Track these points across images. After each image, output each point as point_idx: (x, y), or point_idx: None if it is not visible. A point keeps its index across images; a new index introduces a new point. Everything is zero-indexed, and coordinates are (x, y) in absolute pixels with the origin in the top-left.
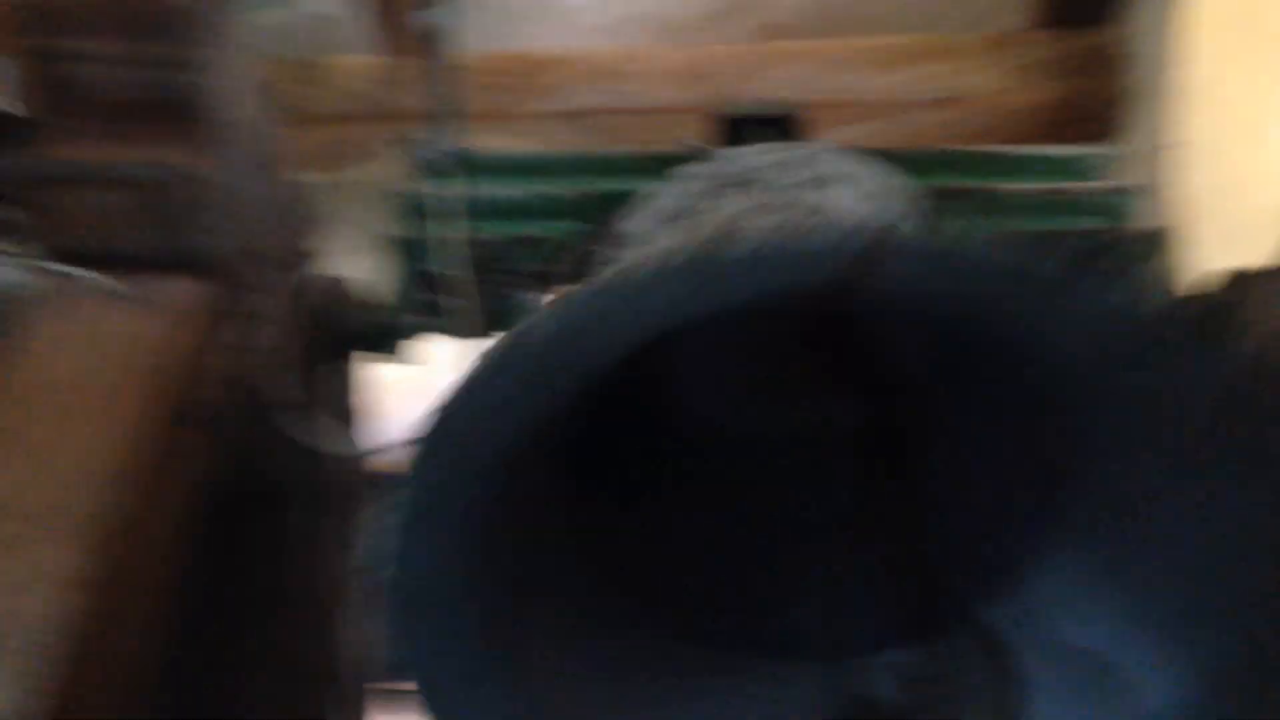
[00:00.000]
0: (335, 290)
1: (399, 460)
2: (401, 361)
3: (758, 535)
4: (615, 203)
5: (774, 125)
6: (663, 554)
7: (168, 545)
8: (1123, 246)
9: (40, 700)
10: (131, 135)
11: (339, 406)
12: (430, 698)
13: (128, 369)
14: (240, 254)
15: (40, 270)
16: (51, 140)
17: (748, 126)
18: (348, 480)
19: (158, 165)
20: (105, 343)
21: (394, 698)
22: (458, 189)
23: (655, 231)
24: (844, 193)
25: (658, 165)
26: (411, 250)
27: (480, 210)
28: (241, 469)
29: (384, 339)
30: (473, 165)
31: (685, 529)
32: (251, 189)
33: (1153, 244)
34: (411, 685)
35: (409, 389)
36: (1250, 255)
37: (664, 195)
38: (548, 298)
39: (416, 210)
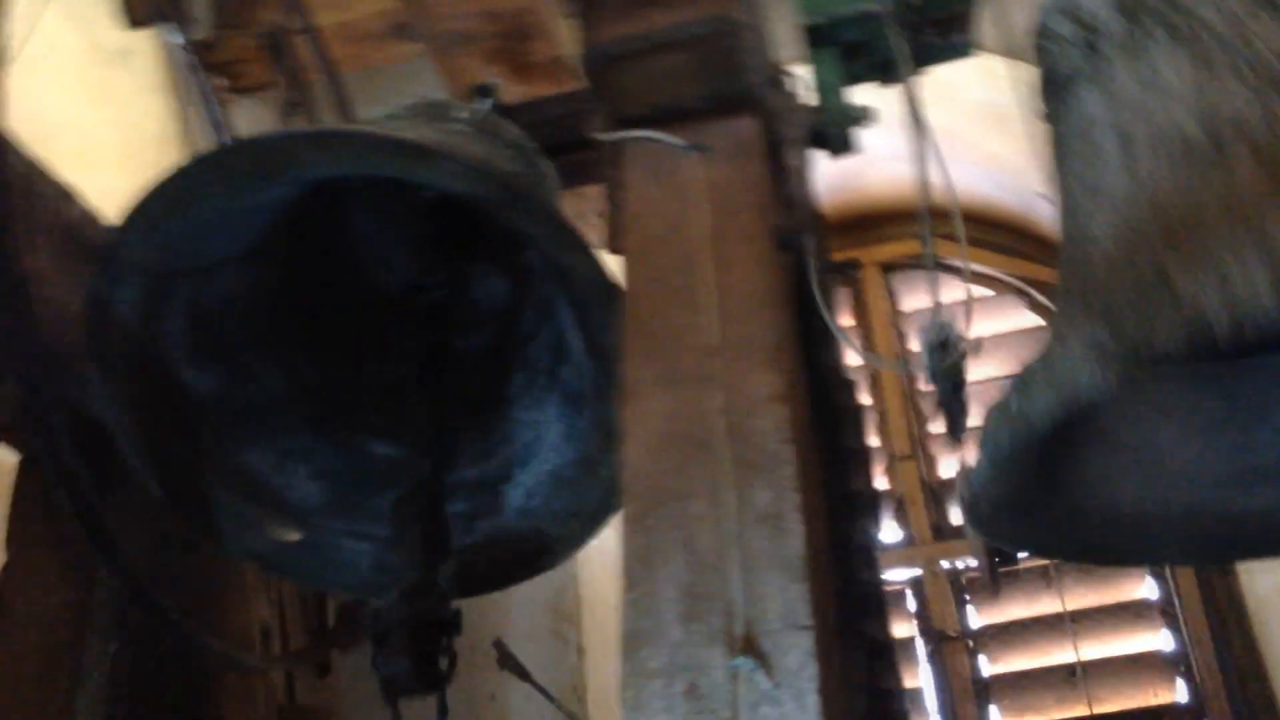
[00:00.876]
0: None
1: None
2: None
3: None
4: None
5: None
6: None
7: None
8: None
9: (792, 499)
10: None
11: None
12: None
13: (728, 210)
14: (769, 85)
15: (621, 139)
16: (597, 23)
17: None
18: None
19: (711, 20)
20: (688, 192)
21: None
22: None
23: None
24: None
25: None
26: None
27: None
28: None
29: (837, 133)
30: None
31: None
32: (755, 20)
33: None
34: None
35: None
36: None
37: None
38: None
39: None
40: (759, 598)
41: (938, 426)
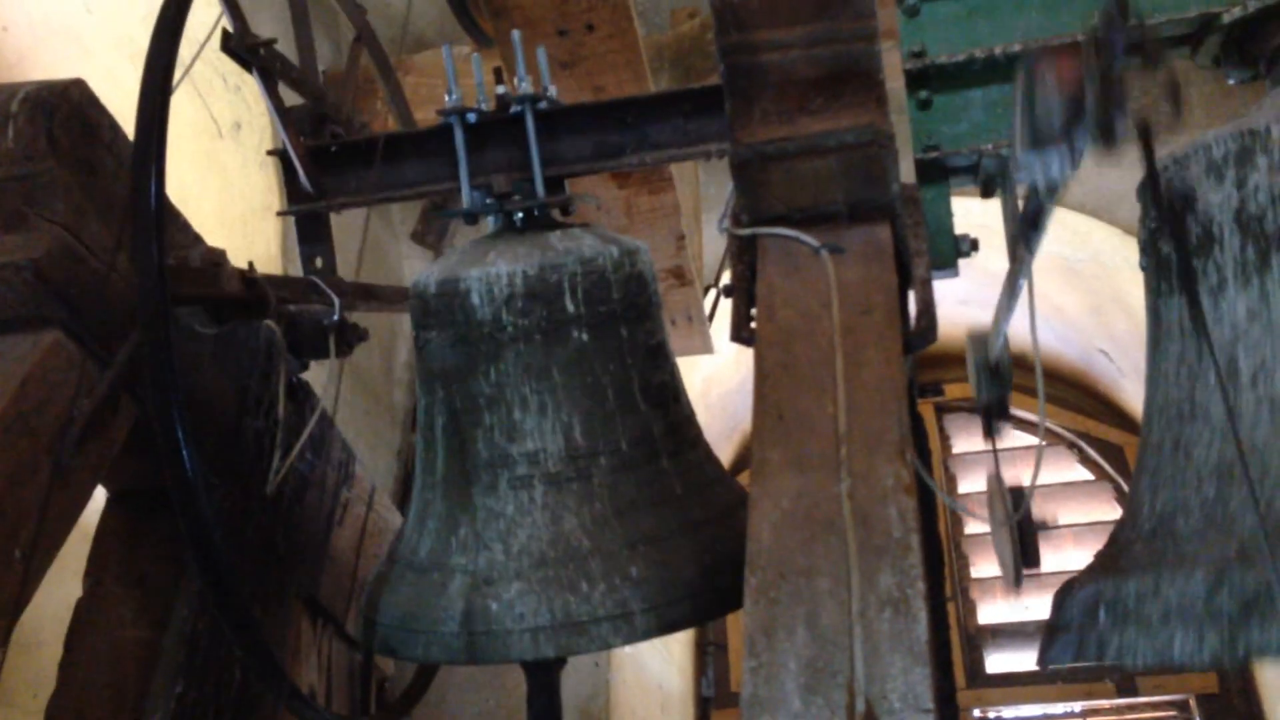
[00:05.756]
0: None
1: None
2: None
3: None
4: None
5: None
6: None
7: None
8: None
9: (917, 585)
10: (815, 108)
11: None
12: None
13: (860, 309)
14: (902, 198)
15: (758, 236)
16: (745, 124)
17: None
18: None
19: (864, 130)
20: (822, 289)
21: None
22: None
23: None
24: None
25: None
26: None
27: None
28: None
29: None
30: None
31: None
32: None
33: None
34: None
35: None
36: None
37: (1255, 169)
38: None
39: None
40: (881, 677)
41: (979, 571)
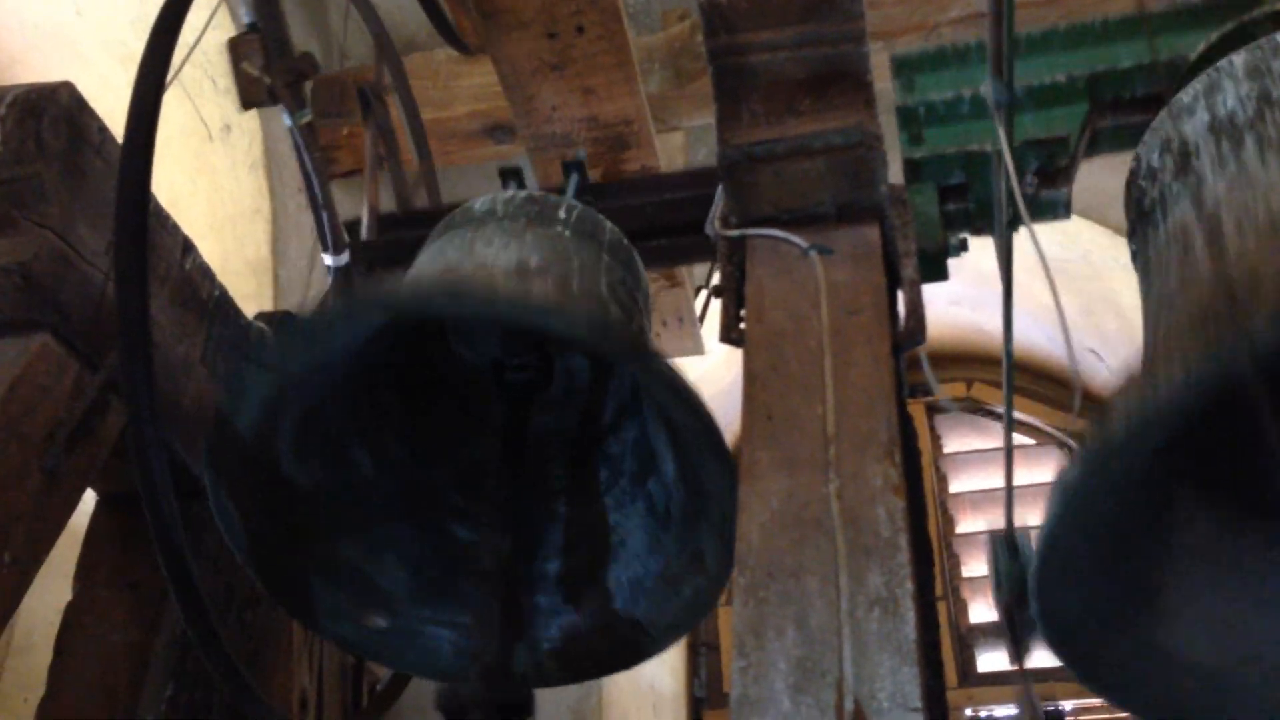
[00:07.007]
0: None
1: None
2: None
3: None
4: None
5: None
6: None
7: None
8: None
9: (905, 585)
10: (803, 109)
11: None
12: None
13: (849, 309)
14: (890, 199)
15: (747, 237)
16: (734, 126)
17: None
18: None
19: (851, 130)
20: (810, 290)
21: None
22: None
23: (1208, 147)
24: None
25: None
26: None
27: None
28: None
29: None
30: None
31: None
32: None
33: None
34: None
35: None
36: None
37: (1222, 91)
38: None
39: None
40: (870, 677)
41: (970, 570)
